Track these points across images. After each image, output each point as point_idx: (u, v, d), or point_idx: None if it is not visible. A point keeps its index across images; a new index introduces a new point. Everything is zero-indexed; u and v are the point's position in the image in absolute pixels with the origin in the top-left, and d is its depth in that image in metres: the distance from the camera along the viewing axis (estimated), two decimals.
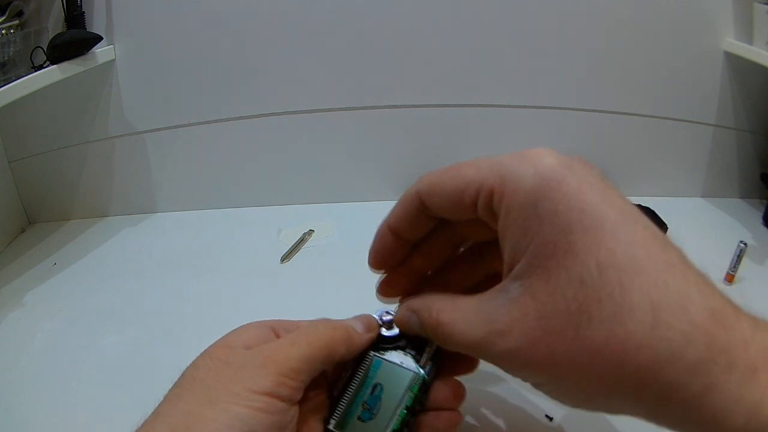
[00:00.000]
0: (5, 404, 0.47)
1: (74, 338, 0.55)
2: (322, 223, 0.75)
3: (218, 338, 0.29)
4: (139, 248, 0.73)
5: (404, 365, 0.33)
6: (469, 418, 0.39)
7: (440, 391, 0.32)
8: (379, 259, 0.34)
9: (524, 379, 0.25)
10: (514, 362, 0.24)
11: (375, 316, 0.35)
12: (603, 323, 0.19)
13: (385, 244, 0.33)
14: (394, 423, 0.31)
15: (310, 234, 0.73)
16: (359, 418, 0.31)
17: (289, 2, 0.69)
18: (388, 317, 0.35)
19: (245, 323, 0.31)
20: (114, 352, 0.53)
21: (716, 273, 0.60)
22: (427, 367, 0.33)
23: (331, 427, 0.31)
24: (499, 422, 0.39)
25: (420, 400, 0.32)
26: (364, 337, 0.32)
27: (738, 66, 0.71)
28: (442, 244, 0.33)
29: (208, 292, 0.62)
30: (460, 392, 0.33)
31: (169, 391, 0.26)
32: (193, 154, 0.78)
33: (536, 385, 0.25)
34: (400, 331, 0.34)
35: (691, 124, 0.76)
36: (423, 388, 0.32)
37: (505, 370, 0.25)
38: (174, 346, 0.56)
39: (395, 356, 0.33)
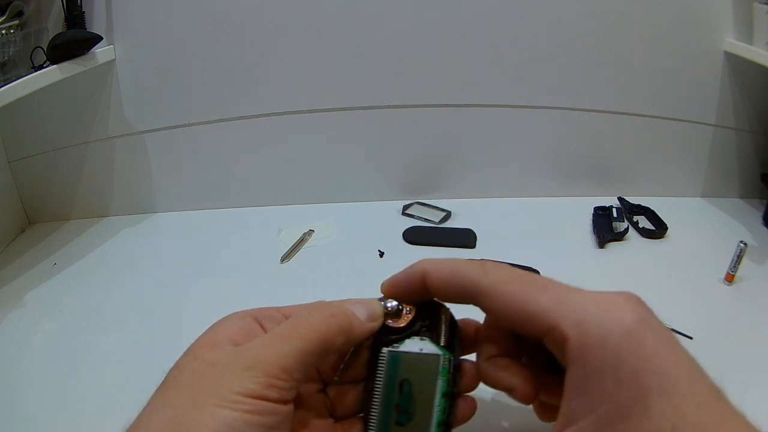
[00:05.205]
0: (6, 404, 0.47)
1: (74, 338, 0.55)
2: (322, 223, 0.75)
3: (201, 333, 0.28)
4: (138, 248, 0.73)
5: (425, 351, 0.29)
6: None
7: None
8: (398, 291, 0.31)
9: None
10: None
11: (380, 302, 0.31)
12: None
13: (411, 290, 0.30)
14: (437, 415, 0.27)
15: (310, 234, 0.73)
16: (397, 423, 0.28)
17: (289, 2, 0.69)
18: (394, 304, 0.30)
19: (226, 315, 0.29)
20: (114, 352, 0.53)
21: (716, 273, 0.60)
22: (449, 346, 0.29)
23: None
24: (498, 422, 0.39)
25: (455, 382, 0.29)
26: (366, 326, 0.29)
27: (738, 66, 0.71)
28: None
29: (208, 292, 0.62)
30: (475, 373, 0.30)
31: (154, 394, 0.25)
32: (193, 154, 0.78)
33: None
34: (413, 315, 0.30)
35: (691, 124, 0.76)
36: (453, 368, 0.29)
37: None
38: (174, 346, 0.56)
39: (411, 344, 0.29)
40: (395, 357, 0.29)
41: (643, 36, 0.71)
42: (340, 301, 0.30)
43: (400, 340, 0.30)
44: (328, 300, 0.31)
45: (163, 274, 0.66)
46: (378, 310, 0.30)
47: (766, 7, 0.65)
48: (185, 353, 0.27)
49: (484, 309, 0.28)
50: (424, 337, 0.30)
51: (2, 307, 0.60)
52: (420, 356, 0.29)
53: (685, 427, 0.21)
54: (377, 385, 0.29)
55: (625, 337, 0.22)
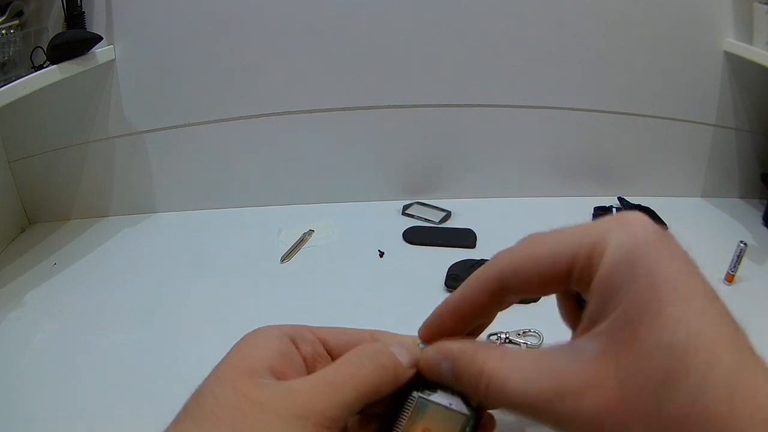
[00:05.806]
0: (6, 403, 0.47)
1: (74, 338, 0.55)
2: (322, 223, 0.75)
3: (231, 350, 0.26)
4: (138, 248, 0.73)
5: (454, 407, 0.29)
6: None
7: None
8: (430, 333, 0.31)
9: None
10: (580, 425, 0.22)
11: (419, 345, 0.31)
12: (687, 396, 0.20)
13: (443, 324, 0.31)
14: None
15: (310, 234, 0.73)
16: None
17: (289, 2, 0.69)
18: None
19: (255, 328, 0.28)
20: (113, 352, 0.53)
21: (716, 273, 0.60)
22: (478, 407, 0.29)
23: None
24: (499, 423, 0.39)
25: None
26: (408, 372, 0.29)
27: (738, 66, 0.71)
28: (498, 306, 0.31)
29: (208, 292, 0.62)
30: (493, 423, 0.30)
31: (182, 419, 0.24)
32: (193, 154, 0.78)
33: None
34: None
35: (691, 124, 0.76)
36: (475, 430, 0.29)
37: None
38: (173, 346, 0.55)
39: (442, 397, 0.30)
40: (424, 404, 0.30)
41: (643, 36, 0.71)
42: (383, 341, 0.30)
43: (433, 388, 0.30)
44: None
45: (163, 274, 0.66)
46: (418, 354, 0.30)
47: (766, 7, 0.65)
48: (219, 378, 0.25)
49: (517, 288, 0.27)
50: (456, 393, 0.30)
51: (2, 307, 0.60)
52: (448, 411, 0.29)
53: (703, 338, 0.20)
54: (398, 428, 0.29)
55: (640, 238, 0.23)
